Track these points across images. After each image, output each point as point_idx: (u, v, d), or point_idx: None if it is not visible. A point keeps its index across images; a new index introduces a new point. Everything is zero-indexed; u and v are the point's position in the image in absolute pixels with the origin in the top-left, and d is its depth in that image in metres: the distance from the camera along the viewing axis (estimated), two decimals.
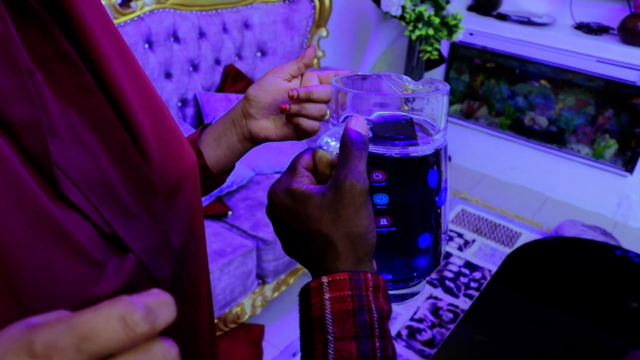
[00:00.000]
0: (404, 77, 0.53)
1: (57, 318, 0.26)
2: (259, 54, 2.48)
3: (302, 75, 0.68)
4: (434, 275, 2.43)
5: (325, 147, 0.47)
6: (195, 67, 2.23)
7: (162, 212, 0.46)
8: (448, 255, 2.57)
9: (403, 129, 0.48)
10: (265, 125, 0.67)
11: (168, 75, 2.12)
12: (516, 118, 3.17)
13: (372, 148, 0.47)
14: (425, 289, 2.34)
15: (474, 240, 2.70)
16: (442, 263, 2.51)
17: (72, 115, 0.42)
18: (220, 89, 2.32)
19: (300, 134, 0.67)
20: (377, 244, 0.48)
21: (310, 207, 0.44)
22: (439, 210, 0.50)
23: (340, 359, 0.41)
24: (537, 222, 2.89)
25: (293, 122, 0.66)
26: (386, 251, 0.49)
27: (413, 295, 0.53)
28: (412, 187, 0.49)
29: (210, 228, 1.89)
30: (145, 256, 0.44)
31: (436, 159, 0.49)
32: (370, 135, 0.47)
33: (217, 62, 2.31)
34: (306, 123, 0.65)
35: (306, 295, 0.44)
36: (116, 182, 0.43)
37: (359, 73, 0.55)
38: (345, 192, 0.43)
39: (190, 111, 2.24)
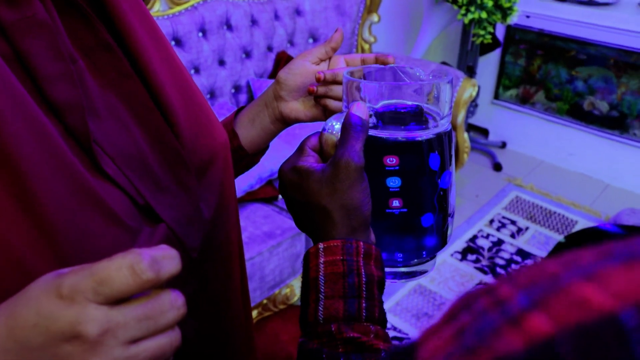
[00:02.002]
0: (417, 69, 0.57)
1: (81, 267, 0.31)
2: (310, 40, 2.51)
3: (330, 58, 0.71)
4: (484, 262, 2.41)
5: (330, 130, 0.53)
6: (248, 54, 2.28)
7: (192, 185, 0.51)
8: (500, 242, 2.54)
9: (411, 115, 0.53)
10: (295, 106, 0.70)
11: (221, 63, 2.18)
12: (575, 103, 3.07)
13: (379, 133, 0.52)
14: (476, 275, 2.33)
15: (527, 228, 2.66)
16: (494, 250, 2.49)
17: (111, 97, 0.46)
18: (273, 75, 2.37)
19: (328, 115, 0.70)
20: (390, 224, 0.53)
21: (311, 181, 0.49)
22: (441, 192, 0.54)
23: (328, 315, 0.46)
24: (595, 210, 2.81)
25: (321, 103, 0.69)
26: (398, 231, 0.54)
27: (422, 273, 0.57)
28: (417, 170, 0.53)
29: (261, 211, 1.95)
30: (177, 226, 0.49)
31: (438, 142, 0.53)
32: (374, 121, 0.52)
33: (270, 49, 2.35)
34: (333, 104, 0.68)
35: (307, 260, 0.49)
36: (150, 157, 0.47)
37: (374, 65, 0.61)
38: (342, 168, 0.48)
39: (243, 97, 2.30)
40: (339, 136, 0.51)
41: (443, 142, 0.54)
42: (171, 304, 0.33)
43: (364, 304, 0.46)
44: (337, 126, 0.52)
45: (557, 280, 0.20)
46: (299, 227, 0.55)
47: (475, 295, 0.23)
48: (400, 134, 0.52)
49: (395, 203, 0.52)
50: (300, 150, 0.53)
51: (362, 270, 0.47)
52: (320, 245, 0.48)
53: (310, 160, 0.51)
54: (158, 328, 0.33)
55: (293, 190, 0.51)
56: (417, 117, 0.53)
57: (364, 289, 0.47)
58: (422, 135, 0.52)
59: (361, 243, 0.48)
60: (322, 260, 0.47)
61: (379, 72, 0.59)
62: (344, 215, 0.48)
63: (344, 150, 0.48)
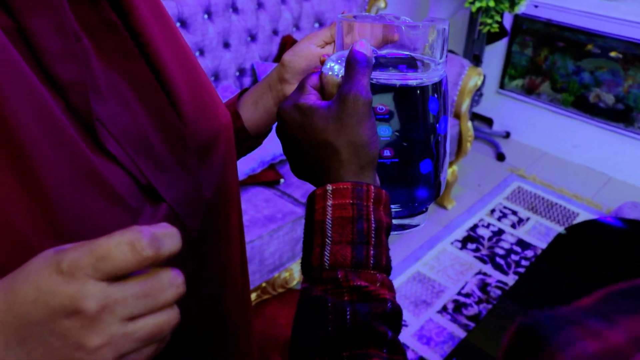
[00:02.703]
0: (403, 17, 0.55)
1: (81, 243, 0.31)
2: (316, 25, 2.50)
3: (334, 42, 0.70)
4: (484, 251, 2.42)
5: (331, 72, 0.50)
6: (253, 38, 2.27)
7: (194, 166, 0.51)
8: (500, 232, 2.54)
9: (406, 62, 0.52)
10: None
11: (226, 45, 2.17)
12: (580, 94, 3.06)
13: (377, 76, 0.50)
14: (475, 264, 2.33)
15: (528, 219, 2.66)
16: (494, 239, 2.49)
17: (115, 76, 0.46)
18: (277, 59, 2.36)
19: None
20: (381, 175, 0.51)
21: (316, 118, 0.47)
22: (439, 137, 0.53)
23: (334, 262, 0.44)
24: (597, 202, 2.81)
25: None
26: (389, 182, 0.52)
27: (415, 226, 0.56)
28: (414, 115, 0.51)
29: (262, 194, 1.95)
30: (178, 206, 0.49)
31: (436, 87, 0.52)
32: (374, 61, 0.50)
33: (275, 32, 2.34)
34: None
35: (312, 201, 0.47)
36: (152, 137, 0.47)
37: (364, 14, 0.58)
38: (349, 103, 0.46)
39: (247, 80, 2.29)
40: (340, 76, 0.50)
41: (440, 87, 0.53)
42: (170, 282, 0.33)
43: (372, 251, 0.45)
44: (337, 67, 0.50)
45: None
46: (296, 173, 0.52)
47: None
48: (397, 77, 0.51)
49: (387, 153, 0.51)
50: (301, 88, 0.50)
51: (372, 216, 0.45)
52: (329, 187, 0.46)
53: (312, 98, 0.49)
54: (157, 306, 0.33)
55: (295, 129, 0.49)
56: (411, 64, 0.52)
57: (372, 235, 0.45)
58: (420, 78, 0.51)
59: (372, 187, 0.46)
60: (329, 202, 0.45)
61: (370, 20, 0.57)
62: (351, 152, 0.46)
63: (351, 85, 0.46)
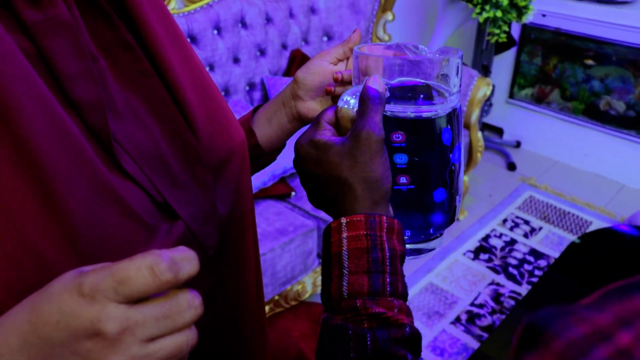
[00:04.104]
0: (421, 47, 0.57)
1: (102, 266, 0.32)
2: (325, 39, 2.52)
3: (347, 58, 0.71)
4: (496, 262, 2.40)
5: (346, 106, 0.52)
6: (263, 52, 2.29)
7: (209, 183, 0.51)
8: (513, 242, 2.53)
9: (420, 92, 0.53)
10: (313, 106, 0.70)
11: (236, 60, 2.20)
12: (591, 102, 3.05)
13: (392, 108, 0.52)
14: (488, 275, 2.32)
15: (540, 228, 2.64)
16: (507, 249, 2.48)
17: (131, 96, 0.47)
18: (287, 73, 2.38)
19: None
20: (397, 201, 0.53)
21: (331, 154, 0.49)
22: (453, 167, 0.55)
23: (352, 291, 0.46)
24: (610, 211, 2.78)
25: None
26: (405, 208, 0.54)
27: (430, 250, 0.58)
28: (428, 146, 0.53)
29: (274, 208, 1.96)
30: (193, 223, 0.49)
31: (450, 118, 0.53)
32: (388, 94, 0.52)
33: (284, 46, 2.36)
34: None
35: (328, 234, 0.49)
36: (168, 155, 0.48)
37: (381, 43, 0.60)
38: (362, 140, 0.48)
39: (257, 95, 2.31)
40: (354, 110, 0.51)
41: (453, 118, 0.54)
42: (189, 304, 0.34)
43: (388, 279, 0.46)
44: (353, 101, 0.52)
45: None
46: (313, 203, 0.54)
47: (588, 342, 0.21)
48: (411, 110, 0.52)
49: (403, 180, 0.53)
50: (317, 123, 0.53)
51: (386, 245, 0.47)
52: (343, 220, 0.48)
53: (327, 134, 0.51)
54: (176, 327, 0.34)
55: (311, 164, 0.51)
56: (426, 93, 0.53)
57: (387, 263, 0.47)
58: (434, 110, 0.52)
59: (384, 217, 0.48)
60: (344, 235, 0.47)
61: (386, 50, 0.59)
62: (365, 188, 0.48)
63: (364, 122, 0.48)
